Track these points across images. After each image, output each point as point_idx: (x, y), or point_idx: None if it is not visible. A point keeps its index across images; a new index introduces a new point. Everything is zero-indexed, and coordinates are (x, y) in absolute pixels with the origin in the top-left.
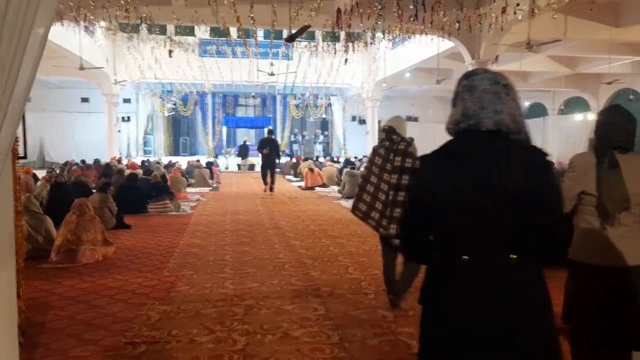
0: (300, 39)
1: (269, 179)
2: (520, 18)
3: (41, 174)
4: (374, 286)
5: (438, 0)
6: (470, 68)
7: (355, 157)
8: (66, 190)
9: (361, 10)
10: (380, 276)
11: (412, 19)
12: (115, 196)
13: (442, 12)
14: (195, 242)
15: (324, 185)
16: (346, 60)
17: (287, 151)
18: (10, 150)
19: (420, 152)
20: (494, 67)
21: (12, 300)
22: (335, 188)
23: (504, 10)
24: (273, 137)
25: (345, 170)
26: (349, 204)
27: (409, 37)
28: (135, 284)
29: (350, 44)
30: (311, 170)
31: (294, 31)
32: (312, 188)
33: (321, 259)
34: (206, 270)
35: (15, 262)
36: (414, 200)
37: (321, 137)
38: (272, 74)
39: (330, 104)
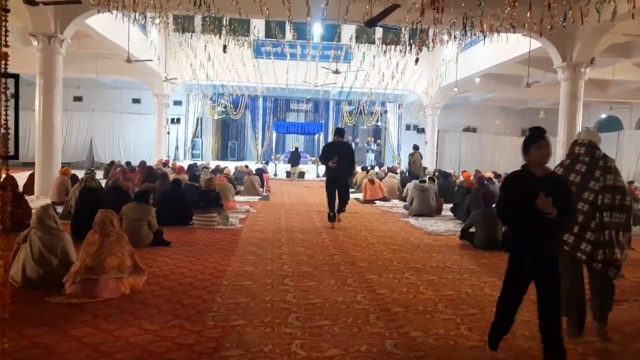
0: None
1: (337, 205)
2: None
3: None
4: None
5: None
6: (559, 72)
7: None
8: (97, 197)
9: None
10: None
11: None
12: (155, 203)
13: (528, 9)
14: (247, 270)
15: (384, 199)
16: (417, 59)
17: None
18: None
19: (477, 164)
20: (588, 71)
21: None
22: (397, 202)
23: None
24: (344, 140)
25: (413, 183)
26: (419, 223)
27: (485, 38)
28: (166, 338)
29: (424, 43)
30: (371, 181)
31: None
32: (371, 201)
33: (413, 306)
34: (263, 320)
35: None
36: None
37: (373, 146)
38: (336, 72)
39: (386, 111)
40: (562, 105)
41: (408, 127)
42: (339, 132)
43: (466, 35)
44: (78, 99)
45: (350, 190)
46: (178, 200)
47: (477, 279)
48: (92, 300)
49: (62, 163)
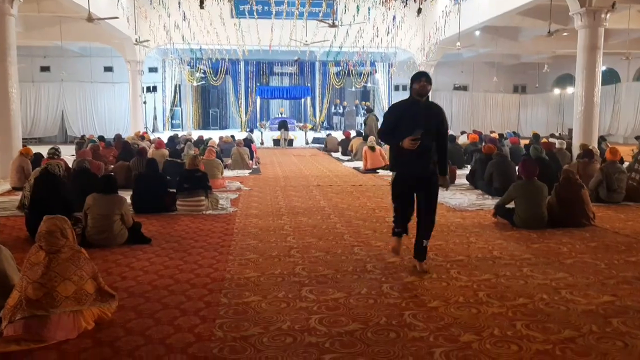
0: None
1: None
2: None
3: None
4: None
5: None
6: (576, 19)
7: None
8: (56, 187)
9: None
10: None
11: None
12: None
13: None
14: (250, 278)
15: (386, 167)
16: (420, 10)
17: (326, 124)
18: None
19: (469, 123)
20: (608, 18)
21: None
22: None
23: None
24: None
25: None
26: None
27: None
28: None
29: None
30: (372, 148)
31: None
32: (373, 170)
33: (485, 328)
34: None
35: None
36: None
37: (362, 109)
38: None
39: (376, 71)
40: (580, 56)
41: (397, 88)
42: (423, 78)
43: None
44: (45, 69)
45: (347, 158)
46: (157, 183)
47: (542, 274)
48: (41, 345)
49: (33, 138)
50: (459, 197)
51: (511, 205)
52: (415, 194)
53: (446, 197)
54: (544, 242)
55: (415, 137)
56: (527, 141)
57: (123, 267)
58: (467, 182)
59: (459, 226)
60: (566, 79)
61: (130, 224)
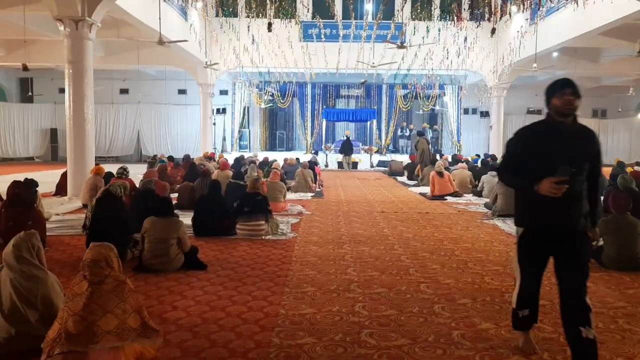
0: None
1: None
2: None
3: (136, 169)
4: None
5: None
6: None
7: (478, 155)
8: (117, 208)
9: None
10: None
11: None
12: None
13: None
14: (305, 315)
15: (456, 194)
16: (494, 29)
17: (391, 147)
18: None
19: None
20: None
21: None
22: (471, 198)
23: None
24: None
25: (489, 175)
26: (510, 227)
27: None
28: None
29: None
30: (440, 174)
31: None
32: (441, 197)
33: None
34: None
35: None
36: None
37: (430, 133)
38: (401, 46)
39: (444, 93)
40: None
41: (466, 111)
42: (568, 89)
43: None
44: (124, 91)
45: (413, 183)
46: (218, 206)
47: None
48: None
49: (111, 157)
50: None
51: (599, 242)
52: (553, 260)
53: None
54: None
55: (563, 178)
56: (609, 169)
57: (176, 295)
58: None
59: None
60: None
61: (188, 248)
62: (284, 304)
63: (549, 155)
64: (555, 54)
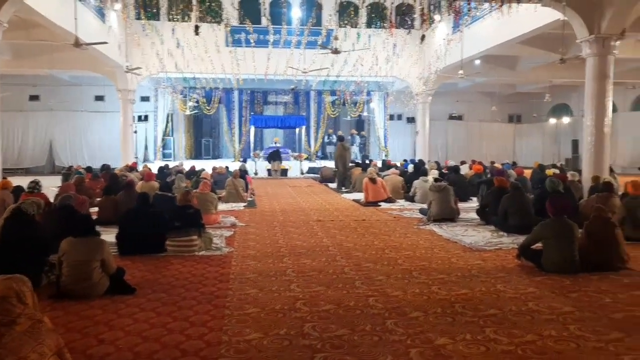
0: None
1: None
2: None
3: (48, 181)
4: None
5: None
6: (584, 47)
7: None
8: (30, 228)
9: None
10: None
11: None
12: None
13: None
14: (250, 340)
15: (389, 200)
16: (423, 36)
17: (320, 154)
18: None
19: (465, 153)
20: (617, 45)
21: None
22: (404, 203)
23: None
24: None
25: (421, 180)
26: (447, 232)
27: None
28: None
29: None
30: (372, 180)
31: None
32: (374, 203)
33: None
34: None
35: None
36: None
37: (357, 139)
38: (336, 52)
39: (372, 100)
40: (588, 85)
41: (392, 117)
42: None
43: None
44: (34, 97)
45: (344, 189)
46: (150, 221)
47: (594, 334)
48: None
49: (20, 169)
50: (472, 233)
51: (538, 245)
52: None
53: (458, 234)
54: (581, 290)
55: None
56: (528, 172)
57: (101, 325)
58: (477, 217)
59: (481, 270)
60: (562, 109)
61: (113, 270)
62: (226, 329)
63: None
64: (477, 62)
